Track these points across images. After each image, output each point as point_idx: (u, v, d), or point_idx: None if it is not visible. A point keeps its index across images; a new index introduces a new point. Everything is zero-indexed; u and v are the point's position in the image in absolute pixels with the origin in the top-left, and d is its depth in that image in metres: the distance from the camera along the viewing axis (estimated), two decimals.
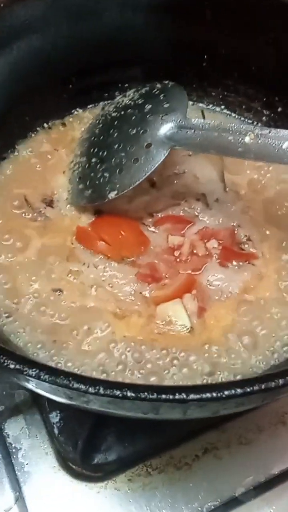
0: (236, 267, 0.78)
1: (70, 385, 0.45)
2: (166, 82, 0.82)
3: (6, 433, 0.73)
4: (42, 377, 0.45)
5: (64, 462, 0.71)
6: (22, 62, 0.81)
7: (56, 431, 0.71)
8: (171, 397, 0.45)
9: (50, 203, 0.82)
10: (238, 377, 0.65)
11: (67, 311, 0.71)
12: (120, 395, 0.45)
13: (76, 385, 0.45)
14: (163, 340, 0.70)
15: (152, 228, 0.81)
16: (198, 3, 0.84)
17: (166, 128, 0.75)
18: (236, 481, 0.71)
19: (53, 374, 0.46)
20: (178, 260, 0.78)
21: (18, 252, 0.76)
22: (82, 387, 0.45)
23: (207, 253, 0.79)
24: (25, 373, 0.46)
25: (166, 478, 0.70)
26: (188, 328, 0.71)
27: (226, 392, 0.45)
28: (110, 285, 0.75)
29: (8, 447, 0.72)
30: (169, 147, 0.74)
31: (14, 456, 0.71)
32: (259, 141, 0.68)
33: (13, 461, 0.70)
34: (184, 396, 0.45)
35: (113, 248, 0.77)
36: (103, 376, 0.66)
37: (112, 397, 0.45)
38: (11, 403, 0.75)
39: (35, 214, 0.80)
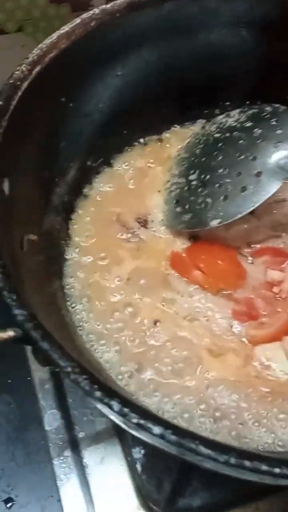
0: None
1: (197, 450, 0.41)
2: (277, 105, 0.77)
3: (85, 462, 0.70)
4: (166, 437, 0.42)
5: (145, 502, 0.67)
6: (129, 75, 0.78)
7: (139, 467, 0.67)
8: None
9: (144, 224, 0.79)
10: None
11: (162, 341, 0.68)
12: (256, 469, 0.40)
13: (206, 452, 0.41)
14: (261, 385, 0.65)
15: (250, 260, 0.76)
16: None
17: (279, 156, 0.70)
18: None
19: (179, 434, 0.42)
20: (277, 297, 0.73)
21: (111, 273, 0.73)
22: (212, 454, 0.41)
23: None
24: (149, 430, 0.42)
25: None
26: None
27: None
28: (206, 318, 0.71)
29: (86, 477, 0.69)
30: (284, 178, 0.69)
31: (92, 490, 0.68)
32: None
33: (91, 495, 0.68)
34: None
35: (210, 278, 0.73)
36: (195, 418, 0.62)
37: (243, 469, 0.41)
38: (92, 431, 0.72)
39: (128, 234, 0.77)
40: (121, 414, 0.43)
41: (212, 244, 0.76)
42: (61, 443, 0.72)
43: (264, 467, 0.41)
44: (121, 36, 0.74)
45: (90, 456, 0.70)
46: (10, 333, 0.47)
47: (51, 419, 0.74)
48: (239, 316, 0.71)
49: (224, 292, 0.73)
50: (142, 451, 0.68)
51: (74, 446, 0.70)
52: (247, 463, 0.41)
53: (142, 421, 0.42)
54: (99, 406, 0.45)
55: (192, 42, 0.81)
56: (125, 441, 0.70)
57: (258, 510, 0.67)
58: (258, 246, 0.77)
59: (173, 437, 0.42)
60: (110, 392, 0.44)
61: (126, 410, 0.43)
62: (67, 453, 0.70)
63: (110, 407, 0.43)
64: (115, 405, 0.43)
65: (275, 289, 0.73)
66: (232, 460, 0.41)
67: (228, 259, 0.75)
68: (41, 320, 0.48)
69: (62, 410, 0.75)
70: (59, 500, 0.70)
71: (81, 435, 0.71)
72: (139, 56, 0.78)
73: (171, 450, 0.45)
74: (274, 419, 0.62)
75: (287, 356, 0.67)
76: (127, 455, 0.69)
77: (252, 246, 0.77)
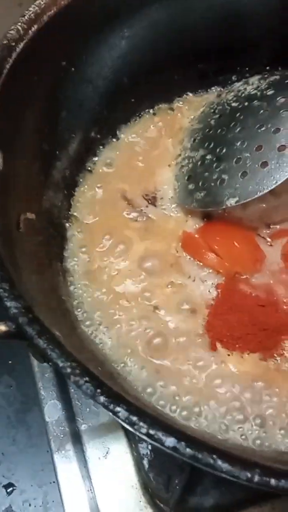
0: None
1: (216, 466, 0.36)
2: None
3: (87, 456, 0.66)
4: (180, 450, 0.37)
5: (152, 499, 0.63)
6: (136, 36, 0.71)
7: (146, 464, 0.63)
8: None
9: (153, 201, 0.72)
10: None
11: (167, 332, 0.62)
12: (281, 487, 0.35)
13: (225, 468, 0.36)
14: (282, 380, 0.60)
15: (269, 242, 0.70)
16: None
17: None
18: None
19: (195, 447, 0.37)
20: None
21: (118, 256, 0.67)
22: (232, 471, 0.36)
23: None
24: (159, 441, 0.37)
25: None
26: None
27: None
28: None
29: (89, 472, 0.65)
30: None
31: (95, 485, 0.64)
32: None
33: (94, 491, 0.63)
34: None
35: (225, 261, 0.67)
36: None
37: (263, 486, 0.36)
38: (95, 423, 0.67)
39: (135, 213, 0.71)
40: (128, 422, 0.38)
41: (228, 225, 0.70)
42: (62, 435, 0.67)
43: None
44: None
45: (92, 450, 0.66)
46: (1, 327, 0.42)
47: (52, 410, 0.70)
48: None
49: (241, 277, 0.67)
50: (150, 447, 0.64)
51: (76, 439, 0.66)
52: (273, 481, 0.36)
53: (152, 432, 0.37)
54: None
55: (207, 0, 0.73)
56: (132, 434, 0.65)
57: (274, 509, 0.63)
58: (278, 227, 0.71)
59: (188, 450, 0.37)
60: (116, 397, 0.39)
61: (134, 418, 0.38)
62: (69, 446, 0.66)
63: (116, 414, 0.38)
64: (121, 412, 0.38)
65: None
66: (256, 478, 0.36)
67: (245, 241, 0.69)
68: (38, 311, 0.43)
69: (63, 401, 0.70)
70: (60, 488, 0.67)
71: (83, 427, 0.67)
72: (148, 15, 0.70)
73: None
74: None
75: None
76: (133, 450, 0.65)
77: (271, 227, 0.71)
